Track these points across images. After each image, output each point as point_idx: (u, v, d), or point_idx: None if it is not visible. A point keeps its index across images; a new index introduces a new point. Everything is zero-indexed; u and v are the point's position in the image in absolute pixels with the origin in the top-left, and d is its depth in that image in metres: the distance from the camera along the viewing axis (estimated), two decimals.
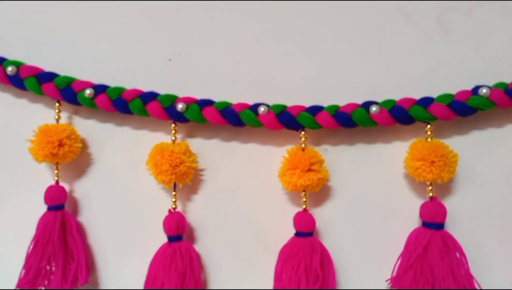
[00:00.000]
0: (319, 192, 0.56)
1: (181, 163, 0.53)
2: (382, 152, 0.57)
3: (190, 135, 0.58)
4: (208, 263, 0.57)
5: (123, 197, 0.58)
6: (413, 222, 0.56)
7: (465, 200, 0.56)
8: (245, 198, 0.57)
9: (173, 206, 0.56)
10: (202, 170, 0.58)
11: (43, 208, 0.56)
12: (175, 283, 0.52)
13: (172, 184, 0.55)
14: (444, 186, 0.56)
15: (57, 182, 0.56)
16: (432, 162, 0.52)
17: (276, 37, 0.58)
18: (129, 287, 0.56)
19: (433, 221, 0.53)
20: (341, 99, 0.55)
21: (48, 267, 0.53)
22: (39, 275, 0.53)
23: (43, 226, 0.53)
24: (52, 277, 0.53)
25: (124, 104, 0.55)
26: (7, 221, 0.58)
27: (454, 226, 0.55)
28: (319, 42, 0.58)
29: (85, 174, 0.58)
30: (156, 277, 0.53)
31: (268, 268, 0.56)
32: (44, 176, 0.58)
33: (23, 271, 0.53)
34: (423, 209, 0.54)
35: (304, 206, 0.54)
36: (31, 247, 0.53)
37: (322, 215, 0.56)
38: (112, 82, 0.57)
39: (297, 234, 0.54)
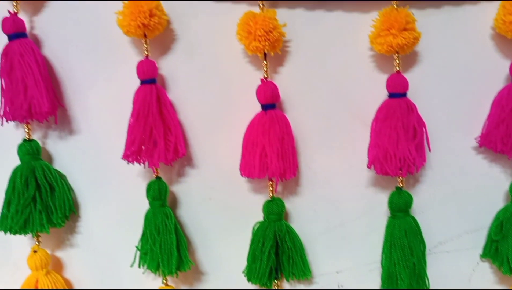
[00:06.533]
0: (407, 56, 0.56)
1: (274, 29, 0.53)
2: (468, 14, 0.56)
3: (274, 5, 0.57)
4: (298, 132, 0.58)
5: (209, 72, 0.58)
6: (501, 82, 0.56)
7: None
8: (332, 66, 0.57)
9: (265, 75, 0.56)
10: (287, 41, 0.57)
11: (132, 84, 0.56)
12: (276, 147, 0.54)
13: (263, 53, 0.55)
14: None
15: (147, 56, 0.55)
16: None
17: None
18: (223, 159, 0.58)
19: None
20: None
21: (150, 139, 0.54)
22: (143, 146, 0.53)
23: (142, 99, 0.54)
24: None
25: None
26: (99, 97, 0.58)
27: None
28: None
29: (170, 51, 0.58)
30: (255, 143, 0.54)
31: (357, 133, 0.57)
32: (129, 53, 0.57)
33: (127, 142, 0.54)
34: None
35: (397, 68, 0.55)
36: (133, 119, 0.54)
37: (411, 79, 0.56)
38: None
39: (391, 95, 0.55)
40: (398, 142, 0.53)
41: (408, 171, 0.54)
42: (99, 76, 0.59)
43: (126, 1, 0.53)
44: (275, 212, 0.56)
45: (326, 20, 0.57)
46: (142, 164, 0.55)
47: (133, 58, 0.57)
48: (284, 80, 0.58)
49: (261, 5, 0.55)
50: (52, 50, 0.59)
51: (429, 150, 0.55)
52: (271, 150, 0.54)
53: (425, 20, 0.56)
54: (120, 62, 0.58)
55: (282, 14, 0.56)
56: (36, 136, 0.60)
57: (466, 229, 0.59)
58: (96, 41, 0.58)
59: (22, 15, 0.57)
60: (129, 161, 0.55)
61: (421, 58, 0.57)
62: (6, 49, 0.56)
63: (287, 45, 0.57)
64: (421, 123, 0.55)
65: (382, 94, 0.56)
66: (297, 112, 0.58)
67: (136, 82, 0.56)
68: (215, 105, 0.58)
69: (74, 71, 0.59)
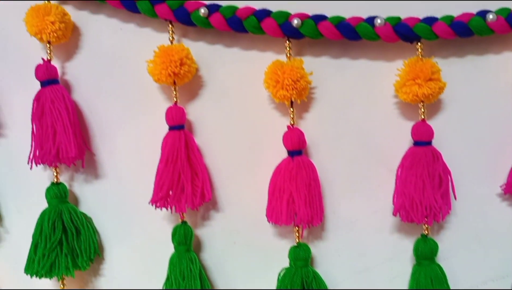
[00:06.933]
0: (431, 103, 0.57)
1: (301, 78, 0.54)
2: (492, 63, 0.57)
3: (300, 53, 0.58)
4: (323, 178, 0.58)
5: (236, 117, 0.59)
6: None
7: None
8: (357, 113, 0.58)
9: (292, 122, 0.56)
10: (313, 88, 0.58)
11: (159, 129, 0.57)
12: (303, 193, 0.54)
13: (290, 100, 0.56)
14: None
15: (175, 103, 0.56)
16: None
17: None
18: (248, 203, 0.59)
19: None
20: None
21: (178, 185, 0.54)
22: (170, 191, 0.54)
23: (170, 145, 0.54)
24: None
25: (238, 22, 0.55)
26: (125, 142, 0.59)
27: None
28: None
29: (198, 97, 0.59)
30: (282, 189, 0.55)
31: (382, 179, 0.58)
32: (158, 99, 0.59)
33: (156, 188, 0.55)
34: None
35: (422, 117, 0.55)
36: (161, 165, 0.55)
37: (436, 126, 0.57)
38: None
39: (416, 143, 0.55)
40: (424, 190, 0.54)
41: (434, 219, 0.54)
42: (126, 121, 0.60)
43: (157, 50, 0.55)
44: (301, 258, 0.56)
45: (351, 68, 0.58)
46: (169, 209, 0.56)
47: (161, 103, 0.58)
48: (309, 126, 0.58)
49: (288, 54, 0.56)
50: (82, 95, 0.60)
51: (455, 198, 0.56)
52: (298, 197, 0.54)
53: (449, 68, 0.57)
54: (148, 107, 0.59)
55: (308, 62, 0.57)
56: (63, 179, 0.61)
57: (492, 276, 0.59)
58: (125, 87, 0.59)
59: (54, 61, 0.59)
60: (157, 207, 0.55)
61: (445, 106, 0.58)
62: (39, 94, 0.57)
63: (312, 92, 0.58)
64: (446, 171, 0.55)
65: (406, 141, 0.57)
66: (322, 158, 0.59)
67: (162, 127, 0.57)
68: (241, 150, 0.59)
69: (102, 116, 0.60)
